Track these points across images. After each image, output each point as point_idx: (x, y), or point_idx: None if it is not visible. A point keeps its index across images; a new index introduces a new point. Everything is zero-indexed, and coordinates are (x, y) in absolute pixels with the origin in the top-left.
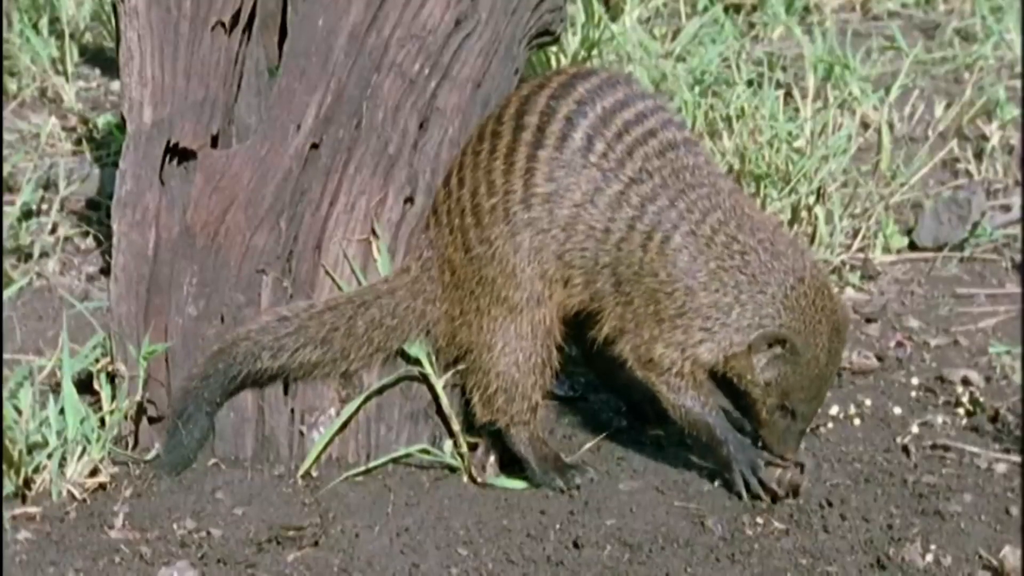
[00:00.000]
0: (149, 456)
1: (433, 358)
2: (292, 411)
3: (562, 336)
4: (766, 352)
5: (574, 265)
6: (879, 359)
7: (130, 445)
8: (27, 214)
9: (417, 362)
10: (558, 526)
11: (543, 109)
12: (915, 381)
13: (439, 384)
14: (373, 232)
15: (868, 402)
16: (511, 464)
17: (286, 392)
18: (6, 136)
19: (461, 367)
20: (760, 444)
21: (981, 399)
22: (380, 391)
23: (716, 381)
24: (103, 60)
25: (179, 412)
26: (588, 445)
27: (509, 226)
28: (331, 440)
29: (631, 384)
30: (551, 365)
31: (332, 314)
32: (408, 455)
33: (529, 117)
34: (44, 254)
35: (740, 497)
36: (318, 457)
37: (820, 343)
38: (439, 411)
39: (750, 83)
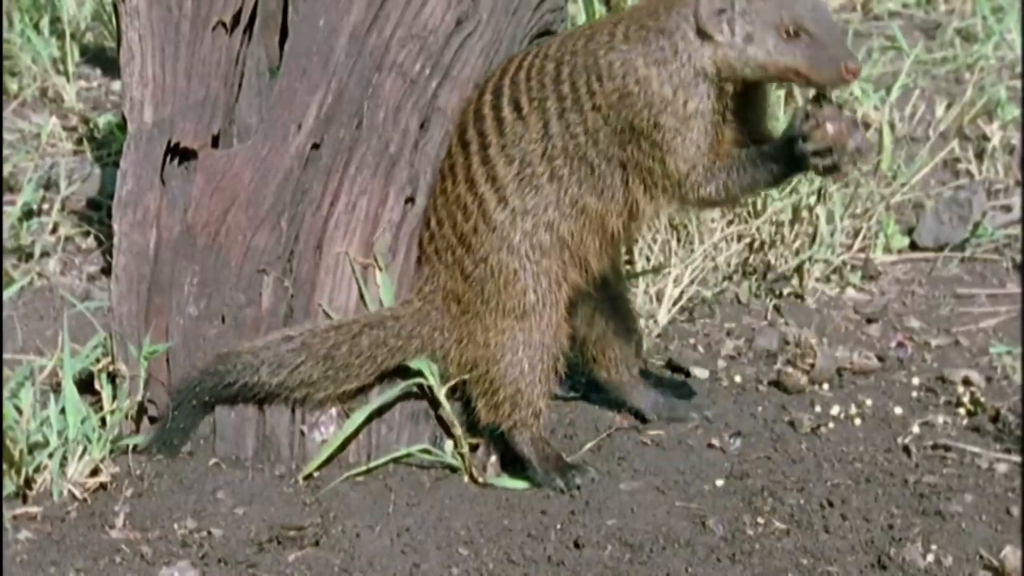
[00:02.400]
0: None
1: (434, 368)
2: (293, 411)
3: (566, 337)
4: (718, 20)
5: (581, 200)
6: (880, 359)
7: (131, 445)
8: (28, 214)
9: (418, 374)
10: (559, 526)
11: (472, 120)
12: (916, 381)
13: (441, 393)
14: (374, 258)
15: (869, 402)
16: (512, 464)
17: (259, 401)
18: (7, 136)
19: (464, 377)
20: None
21: (982, 399)
22: (380, 392)
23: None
24: (104, 60)
25: (174, 399)
26: (588, 445)
27: (496, 233)
28: (340, 446)
29: (631, 384)
30: (557, 370)
31: (336, 332)
32: (409, 455)
33: (467, 133)
34: (45, 254)
35: (807, 169)
36: (325, 462)
37: None
38: (439, 416)
39: None
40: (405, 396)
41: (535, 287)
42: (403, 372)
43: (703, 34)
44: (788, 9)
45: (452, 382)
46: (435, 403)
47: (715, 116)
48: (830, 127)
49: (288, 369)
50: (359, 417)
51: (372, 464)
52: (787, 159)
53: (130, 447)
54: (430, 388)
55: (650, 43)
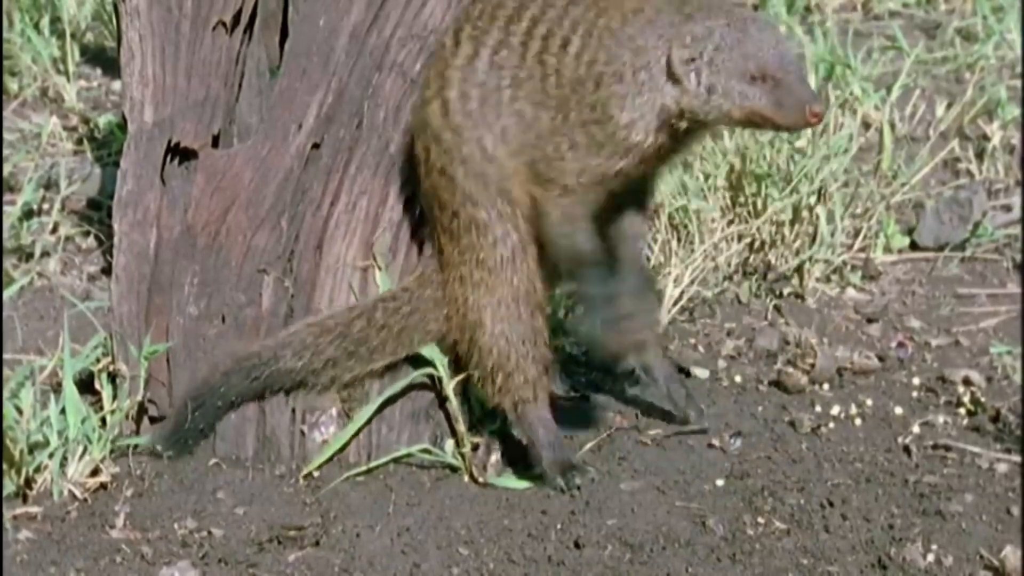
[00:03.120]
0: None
1: (445, 361)
2: (293, 411)
3: (544, 301)
4: (686, 68)
5: (510, 132)
6: (880, 359)
7: (131, 445)
8: (28, 214)
9: (427, 364)
10: (559, 526)
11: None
12: (916, 381)
13: (450, 386)
14: (373, 258)
15: (869, 402)
16: (513, 464)
17: (287, 392)
18: (7, 136)
19: (461, 352)
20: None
21: (982, 399)
22: (381, 390)
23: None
24: (104, 60)
25: (194, 399)
26: (588, 445)
27: (457, 184)
28: (343, 446)
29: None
30: (541, 335)
31: (351, 310)
32: (409, 455)
33: (430, 80)
34: (45, 254)
35: (592, 329)
36: (326, 461)
37: (708, 15)
38: (444, 411)
39: None
40: (406, 394)
41: (504, 238)
42: (411, 365)
43: (673, 76)
44: (754, 57)
45: (461, 376)
46: (441, 397)
47: (640, 156)
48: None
49: (311, 351)
50: (365, 413)
51: (372, 464)
52: (586, 295)
53: (130, 446)
54: (438, 380)
55: (621, 59)
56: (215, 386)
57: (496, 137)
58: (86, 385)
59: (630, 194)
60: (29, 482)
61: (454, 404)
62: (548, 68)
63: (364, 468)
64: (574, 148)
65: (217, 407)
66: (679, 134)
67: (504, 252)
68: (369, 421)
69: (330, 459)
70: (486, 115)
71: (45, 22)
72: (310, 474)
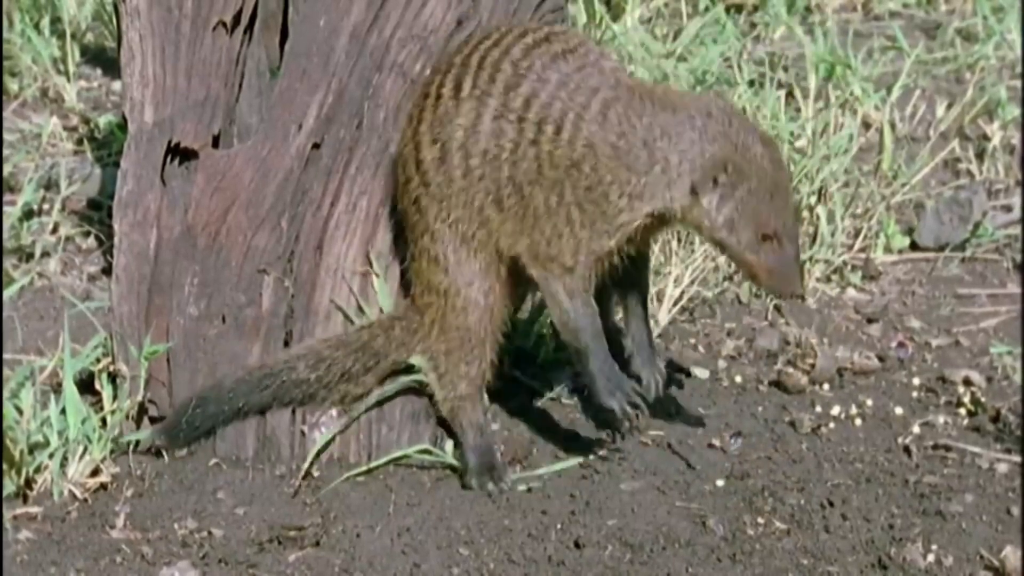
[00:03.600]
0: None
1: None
2: (293, 411)
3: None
4: (713, 189)
5: (486, 200)
6: (880, 359)
7: (132, 443)
8: (28, 214)
9: (418, 371)
10: (559, 526)
11: (418, 101)
12: (916, 381)
13: (439, 394)
14: (370, 264)
15: (869, 402)
16: (513, 464)
17: (296, 404)
18: (7, 136)
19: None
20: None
21: (982, 399)
22: (381, 391)
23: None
24: (104, 60)
25: (200, 400)
26: (590, 446)
27: (422, 217)
28: (332, 441)
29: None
30: (490, 354)
31: (370, 328)
32: (409, 455)
33: (412, 112)
34: (45, 254)
35: (611, 412)
36: (318, 455)
37: (757, 152)
38: (440, 419)
39: (751, 83)
40: (405, 395)
41: (463, 269)
42: (404, 370)
43: (694, 190)
44: (776, 214)
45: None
46: (435, 404)
47: (635, 237)
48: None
49: (327, 363)
50: (358, 414)
51: (372, 464)
52: (590, 372)
53: (131, 446)
54: (431, 395)
55: (635, 154)
56: (223, 390)
57: (491, 202)
58: (86, 385)
59: (627, 271)
60: (29, 482)
61: (436, 390)
62: (542, 150)
63: (364, 468)
64: (571, 227)
65: (222, 411)
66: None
67: (460, 279)
68: (357, 417)
69: (318, 455)
70: (484, 178)
71: (45, 22)
72: (310, 474)
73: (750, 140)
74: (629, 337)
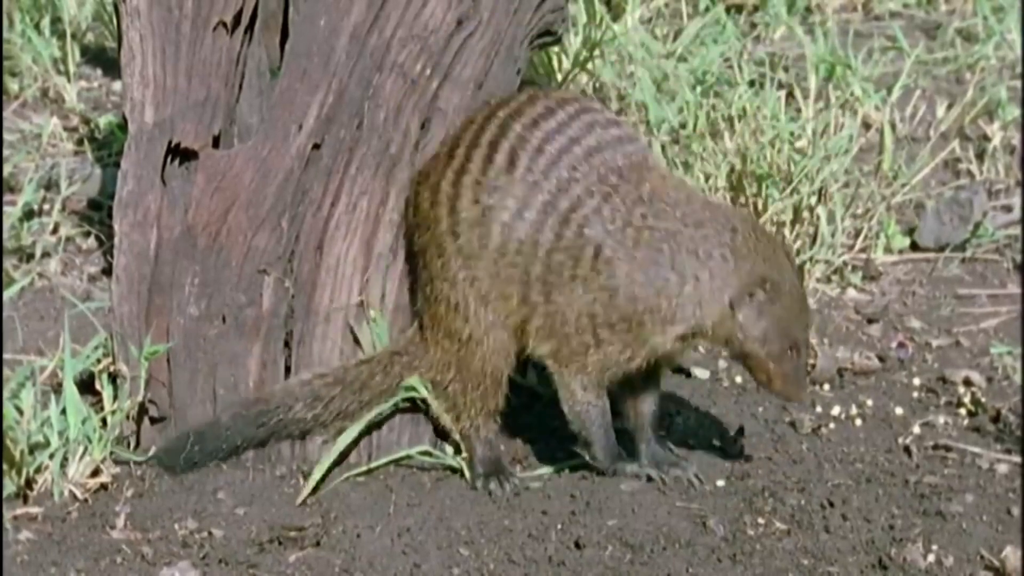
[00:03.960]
0: (150, 452)
1: (430, 386)
2: None
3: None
4: (750, 303)
5: (511, 280)
6: (881, 359)
7: (132, 445)
8: (28, 214)
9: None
10: (559, 526)
11: (468, 143)
12: (917, 381)
13: (435, 405)
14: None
15: (870, 402)
16: (513, 464)
17: (293, 438)
18: (7, 136)
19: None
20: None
21: (983, 399)
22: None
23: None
24: (105, 60)
25: (198, 436)
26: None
27: (442, 259)
28: (341, 455)
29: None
30: (501, 394)
31: (369, 365)
32: (409, 456)
33: (459, 149)
34: (46, 254)
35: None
36: (326, 473)
37: (786, 268)
38: (439, 431)
39: (752, 83)
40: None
41: (477, 318)
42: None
43: (732, 307)
44: (803, 326)
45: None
46: (431, 416)
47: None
48: None
49: (324, 402)
50: (356, 428)
51: (373, 464)
52: (592, 453)
53: (131, 447)
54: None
55: (664, 276)
56: (221, 428)
57: (517, 289)
58: (86, 385)
59: (645, 373)
60: (30, 482)
61: (445, 420)
62: (578, 272)
63: (364, 469)
64: (599, 344)
65: (220, 448)
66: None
67: (474, 327)
68: (367, 431)
69: (330, 468)
70: (517, 266)
71: (46, 22)
72: (310, 474)
73: (779, 254)
74: (635, 427)
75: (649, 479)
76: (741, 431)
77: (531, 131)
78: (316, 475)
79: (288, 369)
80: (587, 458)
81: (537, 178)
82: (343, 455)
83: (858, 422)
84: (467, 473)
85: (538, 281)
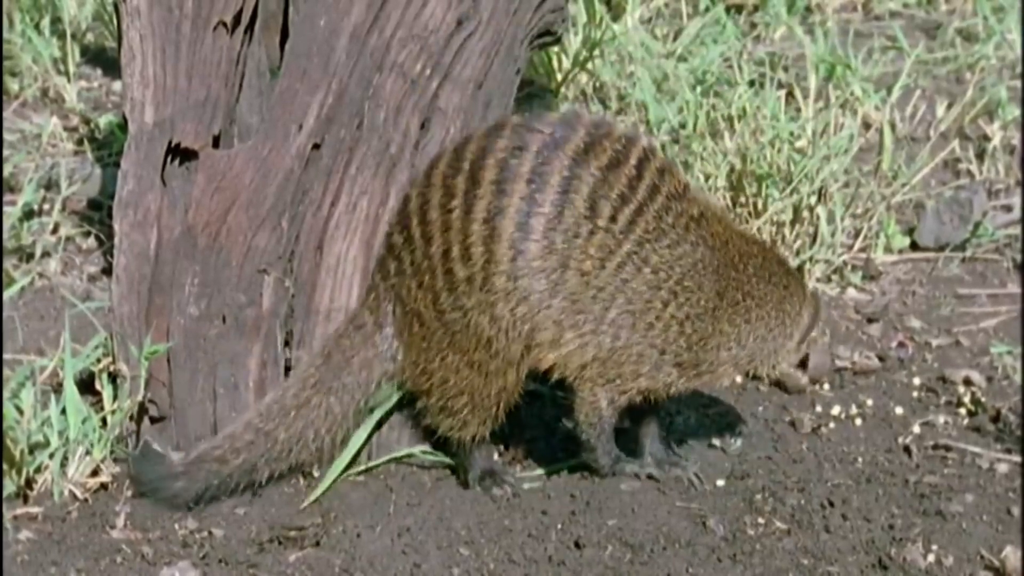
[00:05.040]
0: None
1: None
2: None
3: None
4: (812, 343)
5: (575, 327)
6: (881, 359)
7: (132, 445)
8: (28, 214)
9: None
10: (559, 526)
11: (530, 169)
12: (917, 381)
13: (437, 419)
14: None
15: (870, 402)
16: (513, 464)
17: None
18: (7, 136)
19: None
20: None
21: (983, 399)
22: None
23: None
24: (105, 60)
25: (177, 472)
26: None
27: (488, 295)
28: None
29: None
30: (509, 403)
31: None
32: (410, 455)
33: (511, 184)
34: (46, 254)
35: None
36: (334, 482)
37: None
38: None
39: (752, 83)
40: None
41: (506, 354)
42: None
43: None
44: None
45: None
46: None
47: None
48: None
49: (287, 448)
50: (362, 432)
51: (372, 464)
52: (593, 459)
53: (131, 446)
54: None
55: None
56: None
57: (583, 332)
58: (86, 385)
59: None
60: (30, 482)
61: (444, 427)
62: (662, 314)
63: (364, 468)
64: (656, 377)
65: (191, 496)
66: None
67: (500, 362)
68: (374, 430)
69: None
70: (583, 313)
71: (46, 22)
72: (311, 475)
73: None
74: (640, 426)
75: (650, 478)
76: (741, 431)
77: (613, 173)
78: (328, 479)
79: (288, 369)
80: (588, 461)
81: (623, 229)
82: (352, 458)
83: (858, 422)
84: (465, 477)
85: (611, 325)
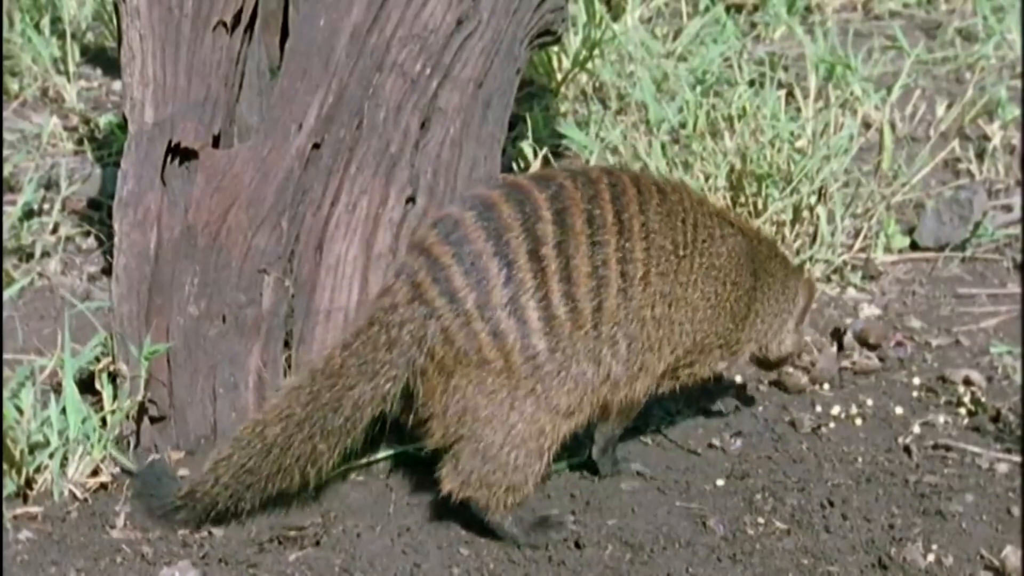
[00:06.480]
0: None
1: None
2: None
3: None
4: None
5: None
6: (881, 359)
7: (131, 445)
8: (28, 214)
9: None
10: None
11: (644, 222)
12: (917, 381)
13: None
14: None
15: (870, 402)
16: None
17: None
18: (7, 136)
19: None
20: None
21: (983, 399)
22: None
23: None
24: (105, 60)
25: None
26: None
27: (584, 334)
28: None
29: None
30: (549, 459)
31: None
32: (409, 453)
33: (628, 214)
34: (46, 254)
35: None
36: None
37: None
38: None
39: (752, 83)
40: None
41: (579, 396)
42: None
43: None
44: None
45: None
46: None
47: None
48: None
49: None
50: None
51: (372, 459)
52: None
53: (130, 445)
54: None
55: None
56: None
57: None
58: (86, 385)
59: None
60: (30, 482)
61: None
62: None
63: (363, 463)
64: (705, 355)
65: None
66: None
67: (568, 405)
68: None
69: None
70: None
71: (46, 22)
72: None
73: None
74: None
75: (651, 478)
76: (741, 431)
77: (682, 211)
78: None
79: (288, 369)
80: (599, 462)
81: (689, 271)
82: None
83: (858, 422)
84: (511, 539)
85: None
